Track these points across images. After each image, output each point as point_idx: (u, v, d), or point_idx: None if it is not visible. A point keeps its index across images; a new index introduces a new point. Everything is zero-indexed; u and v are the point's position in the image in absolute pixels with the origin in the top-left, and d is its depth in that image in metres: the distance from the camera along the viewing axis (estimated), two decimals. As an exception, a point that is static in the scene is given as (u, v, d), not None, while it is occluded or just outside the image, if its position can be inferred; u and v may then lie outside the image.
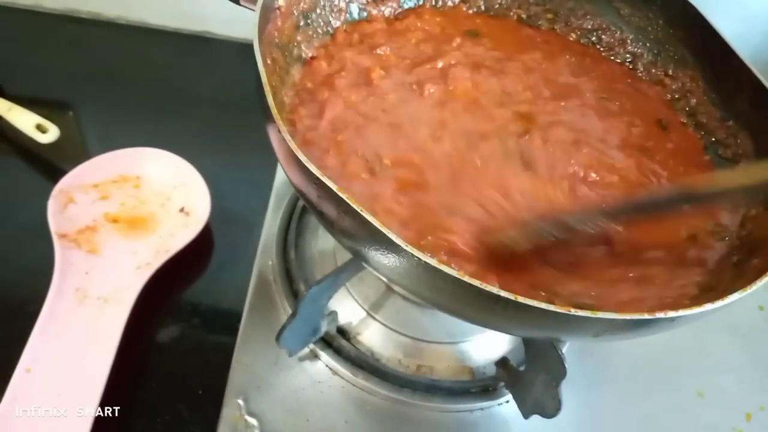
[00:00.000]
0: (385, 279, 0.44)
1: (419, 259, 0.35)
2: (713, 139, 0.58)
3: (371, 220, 0.36)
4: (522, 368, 0.56)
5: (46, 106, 0.80)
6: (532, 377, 0.52)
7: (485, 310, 0.37)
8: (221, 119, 0.84)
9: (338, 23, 0.62)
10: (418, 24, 0.65)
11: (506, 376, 0.57)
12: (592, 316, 0.35)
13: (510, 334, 0.60)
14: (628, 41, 0.66)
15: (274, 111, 0.40)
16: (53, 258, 0.62)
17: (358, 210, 0.36)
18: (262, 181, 0.74)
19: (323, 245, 0.66)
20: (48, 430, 0.52)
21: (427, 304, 0.42)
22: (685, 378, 0.65)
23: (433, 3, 0.68)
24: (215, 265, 0.69)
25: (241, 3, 0.54)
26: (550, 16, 0.69)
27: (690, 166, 0.57)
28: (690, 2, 0.59)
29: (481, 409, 0.58)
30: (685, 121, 0.61)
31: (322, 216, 0.41)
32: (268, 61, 0.51)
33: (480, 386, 0.59)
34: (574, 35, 0.68)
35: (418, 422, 0.57)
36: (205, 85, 0.88)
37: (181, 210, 0.70)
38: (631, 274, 0.47)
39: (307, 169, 0.38)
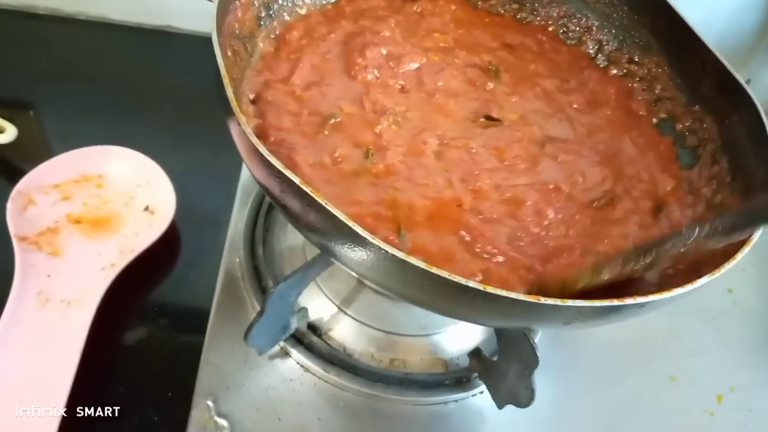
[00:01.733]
0: (354, 273, 0.43)
1: (386, 251, 0.34)
2: (678, 127, 0.58)
3: (336, 213, 0.35)
4: (495, 358, 0.55)
5: (4, 105, 0.77)
6: (505, 367, 0.52)
7: (454, 301, 0.37)
8: (185, 115, 0.82)
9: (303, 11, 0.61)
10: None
11: (479, 366, 0.57)
12: (561, 304, 0.35)
13: (481, 324, 0.59)
14: (594, 28, 0.66)
15: (234, 104, 0.40)
16: (13, 262, 0.60)
17: (323, 203, 0.35)
18: (229, 178, 0.73)
19: (292, 241, 0.65)
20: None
21: (398, 297, 0.42)
22: (657, 362, 0.66)
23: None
24: (182, 264, 0.67)
25: (200, -6, 0.52)
26: (515, 5, 0.69)
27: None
28: (653, -12, 0.59)
29: (455, 401, 0.58)
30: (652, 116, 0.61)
31: (286, 210, 0.40)
32: (229, 53, 0.50)
33: (454, 378, 0.59)
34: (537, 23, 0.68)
35: (393, 416, 0.56)
36: (169, 81, 0.86)
37: (146, 209, 0.68)
38: None
39: (269, 162, 0.37)
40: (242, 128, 0.38)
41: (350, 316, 0.60)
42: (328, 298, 0.61)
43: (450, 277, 0.34)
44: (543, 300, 0.35)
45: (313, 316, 0.59)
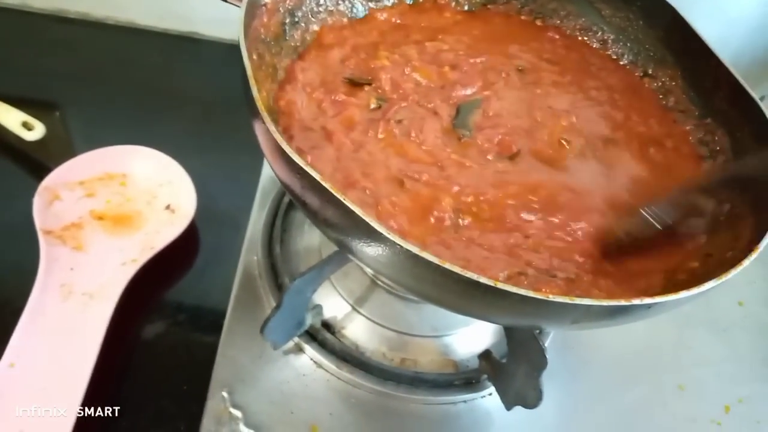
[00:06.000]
0: (369, 269, 0.44)
1: (401, 246, 0.35)
2: (690, 139, 0.59)
3: (353, 209, 0.36)
4: (504, 360, 0.56)
5: (33, 105, 0.80)
6: (514, 369, 0.53)
7: (466, 297, 0.38)
8: (208, 119, 0.84)
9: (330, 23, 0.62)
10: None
11: (489, 368, 0.58)
12: (569, 302, 0.36)
13: (491, 321, 0.60)
14: (609, 41, 0.67)
15: (260, 104, 0.41)
16: (38, 254, 0.62)
17: (341, 199, 0.37)
18: (248, 180, 0.74)
19: (308, 241, 0.66)
20: (33, 423, 0.52)
21: (411, 293, 0.43)
22: (666, 372, 0.66)
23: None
24: (201, 263, 0.69)
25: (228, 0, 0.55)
26: (532, 18, 0.70)
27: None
28: (669, 3, 0.60)
29: (465, 401, 0.59)
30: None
31: (306, 206, 0.41)
32: (254, 57, 0.51)
33: (463, 379, 0.59)
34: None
35: (403, 414, 0.57)
36: (192, 85, 0.89)
37: (167, 207, 0.70)
38: None
39: (292, 159, 0.38)
40: (267, 126, 0.40)
41: (363, 315, 0.61)
42: (342, 297, 0.62)
43: (462, 273, 0.35)
44: (552, 297, 0.36)
45: (327, 314, 0.61)
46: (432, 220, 0.47)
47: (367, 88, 0.57)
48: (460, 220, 0.47)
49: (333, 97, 0.55)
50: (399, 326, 0.61)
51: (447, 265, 0.35)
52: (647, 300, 0.38)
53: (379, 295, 0.62)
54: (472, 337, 0.62)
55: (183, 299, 0.66)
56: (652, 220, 0.47)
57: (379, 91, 0.57)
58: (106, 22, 0.96)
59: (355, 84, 0.57)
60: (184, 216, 0.68)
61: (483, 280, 0.35)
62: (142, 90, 0.87)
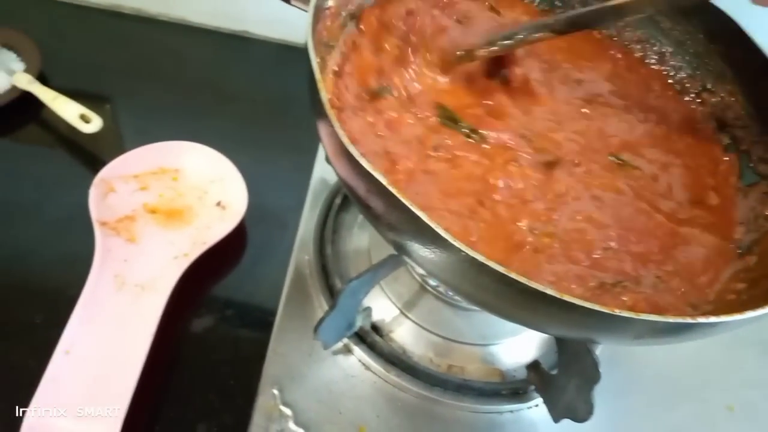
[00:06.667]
0: (425, 272, 0.44)
1: (466, 254, 0.35)
2: (752, 157, 0.58)
3: (420, 215, 0.36)
4: (554, 372, 0.56)
5: (87, 98, 0.81)
6: (565, 381, 0.53)
7: (529, 308, 0.38)
8: (258, 117, 0.85)
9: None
10: None
11: (537, 379, 0.58)
12: (635, 317, 0.36)
13: (549, 332, 0.59)
14: (668, 54, 0.66)
15: (327, 107, 0.41)
16: (93, 245, 0.63)
17: (408, 205, 0.37)
18: (298, 180, 0.75)
19: (357, 243, 0.67)
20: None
21: (468, 300, 0.43)
22: (714, 392, 0.65)
23: None
24: (249, 260, 0.70)
25: (292, 3, 0.55)
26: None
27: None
28: (730, 17, 0.59)
29: (511, 411, 0.59)
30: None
31: (369, 209, 0.42)
32: (318, 59, 0.52)
33: (510, 389, 0.59)
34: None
35: (448, 421, 0.57)
36: (243, 84, 0.89)
37: (218, 204, 0.71)
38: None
39: (358, 162, 0.38)
40: (334, 128, 0.40)
41: (411, 319, 0.61)
42: (391, 300, 0.62)
43: (528, 283, 0.35)
44: (617, 311, 0.36)
45: (376, 317, 0.61)
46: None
47: (389, 96, 0.54)
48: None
49: (385, 116, 0.52)
50: (446, 332, 0.61)
51: (513, 275, 0.35)
52: (713, 318, 0.37)
53: (427, 300, 0.62)
54: (519, 347, 0.62)
55: (231, 295, 0.66)
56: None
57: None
58: (159, 18, 0.97)
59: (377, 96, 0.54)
60: (235, 213, 0.69)
61: (549, 291, 0.35)
62: (194, 86, 0.89)
